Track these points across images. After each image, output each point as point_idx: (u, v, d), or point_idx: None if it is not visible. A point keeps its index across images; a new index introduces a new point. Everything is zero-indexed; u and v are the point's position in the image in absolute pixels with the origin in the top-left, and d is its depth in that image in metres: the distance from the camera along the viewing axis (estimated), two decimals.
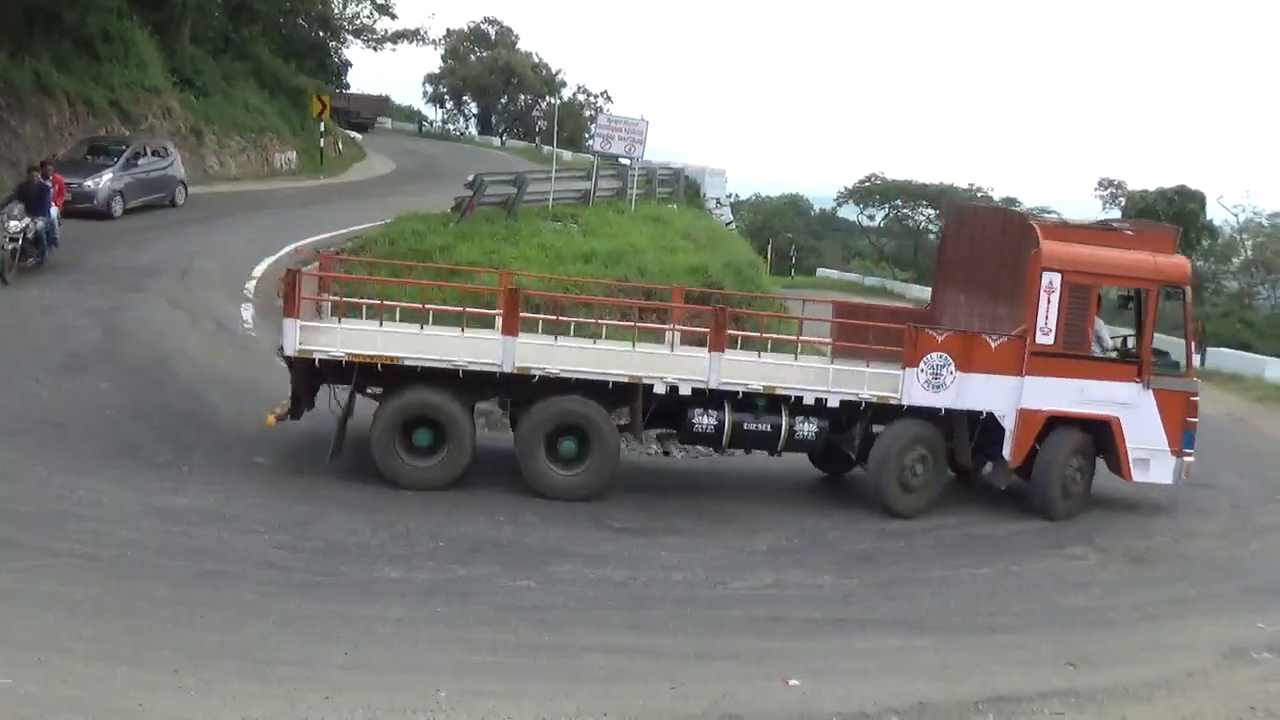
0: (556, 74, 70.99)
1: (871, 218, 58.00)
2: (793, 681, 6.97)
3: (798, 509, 11.77)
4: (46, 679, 5.90)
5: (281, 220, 23.62)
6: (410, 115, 69.09)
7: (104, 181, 21.43)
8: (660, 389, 11.20)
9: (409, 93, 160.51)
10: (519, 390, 11.15)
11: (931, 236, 56.67)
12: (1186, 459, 12.39)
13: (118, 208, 21.65)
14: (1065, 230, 12.60)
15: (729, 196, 36.45)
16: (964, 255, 13.72)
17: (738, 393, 11.38)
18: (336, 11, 43.30)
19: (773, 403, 11.51)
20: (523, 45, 72.07)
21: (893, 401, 11.61)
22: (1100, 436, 12.26)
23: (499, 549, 9.50)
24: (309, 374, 10.94)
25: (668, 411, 11.56)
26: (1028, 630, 8.72)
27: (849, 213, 61.31)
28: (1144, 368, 12.22)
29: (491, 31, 71.89)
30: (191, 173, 29.01)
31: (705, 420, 11.43)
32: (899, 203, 55.34)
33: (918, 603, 9.16)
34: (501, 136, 63.34)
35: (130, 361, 13.20)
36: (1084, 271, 11.94)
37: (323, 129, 37.07)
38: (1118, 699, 7.19)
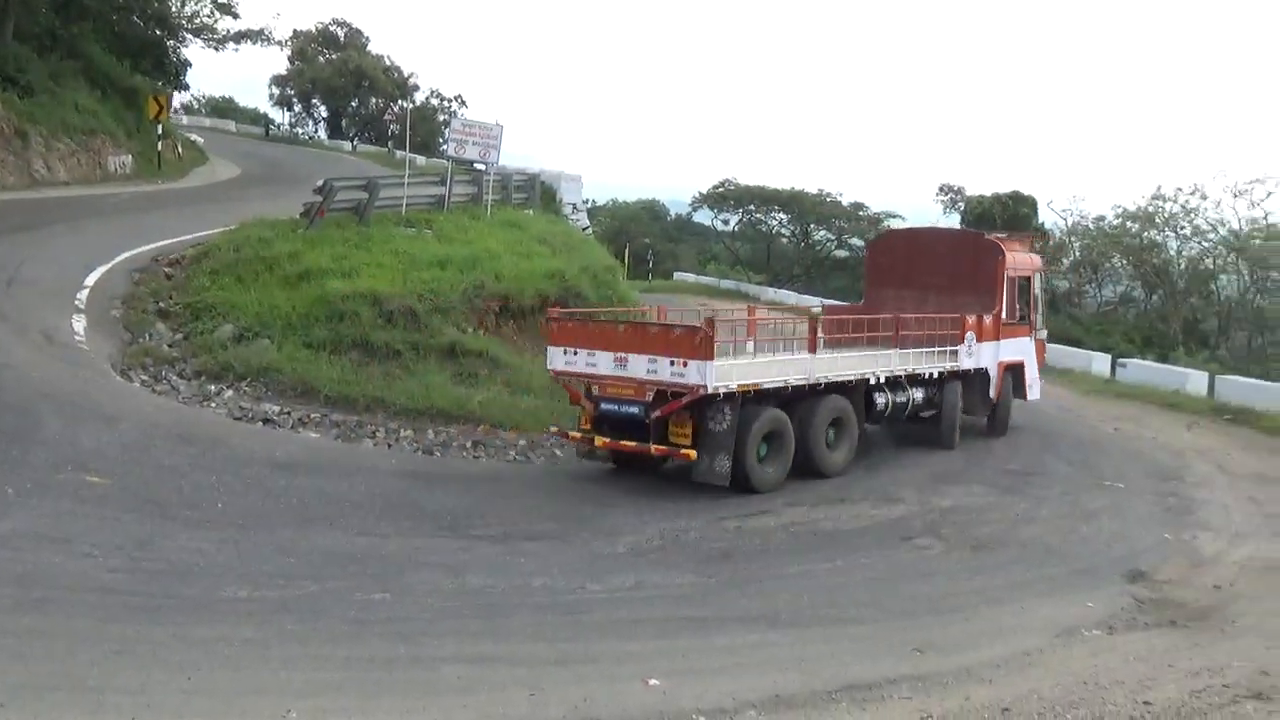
0: (409, 77, 69.76)
1: (726, 222, 59.02)
2: (653, 681, 7.00)
3: (657, 511, 11.87)
4: None
5: (116, 227, 22.45)
6: (256, 118, 66.74)
7: None
8: (873, 380, 14.61)
9: (255, 95, 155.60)
10: (792, 397, 13.42)
11: (784, 240, 58.49)
12: (1041, 382, 19.29)
13: None
14: (1002, 241, 18.47)
15: (585, 202, 36.57)
16: (900, 263, 18.50)
17: (899, 376, 15.13)
18: (175, 9, 41.34)
19: (904, 381, 15.29)
20: (374, 48, 70.51)
21: (953, 369, 16.19)
22: (1015, 376, 18.12)
23: (353, 562, 9.25)
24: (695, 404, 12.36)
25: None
26: (878, 620, 8.98)
27: (704, 217, 62.19)
28: (1032, 327, 18.65)
29: (341, 33, 70.08)
30: (17, 178, 27.38)
31: (882, 400, 14.97)
32: (752, 208, 56.47)
33: (773, 598, 9.33)
34: (353, 141, 61.74)
35: None
36: (1016, 268, 18.01)
37: (160, 131, 35.44)
38: (961, 681, 7.47)
